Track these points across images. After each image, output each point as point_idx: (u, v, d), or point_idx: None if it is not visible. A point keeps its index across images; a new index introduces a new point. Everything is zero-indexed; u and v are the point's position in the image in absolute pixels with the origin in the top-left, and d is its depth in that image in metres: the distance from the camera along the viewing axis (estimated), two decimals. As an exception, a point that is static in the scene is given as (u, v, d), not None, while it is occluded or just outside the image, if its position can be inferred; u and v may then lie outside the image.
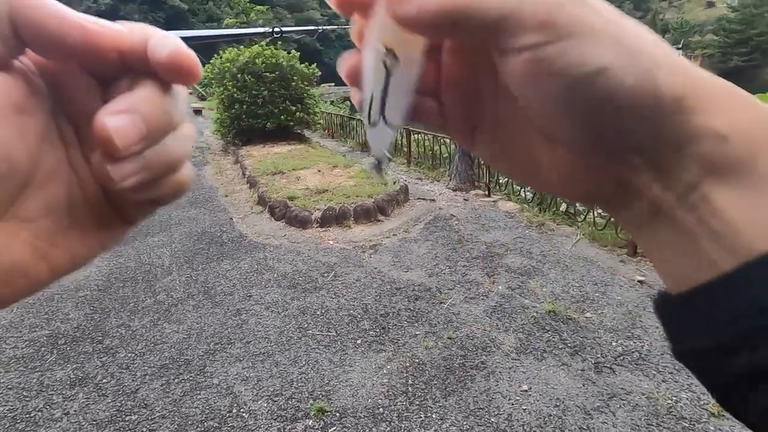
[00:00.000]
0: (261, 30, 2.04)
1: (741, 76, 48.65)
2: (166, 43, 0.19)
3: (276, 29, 2.13)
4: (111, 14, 49.21)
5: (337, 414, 2.13)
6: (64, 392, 2.35)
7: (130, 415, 2.17)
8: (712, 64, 56.71)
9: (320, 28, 3.22)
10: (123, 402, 2.26)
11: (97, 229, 0.22)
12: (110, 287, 3.51)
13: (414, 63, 0.21)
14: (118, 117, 0.18)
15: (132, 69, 0.19)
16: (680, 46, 62.39)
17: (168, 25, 51.84)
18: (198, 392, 2.31)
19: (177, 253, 4.13)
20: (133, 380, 2.42)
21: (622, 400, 2.16)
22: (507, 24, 0.17)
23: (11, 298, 0.19)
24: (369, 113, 0.21)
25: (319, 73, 9.54)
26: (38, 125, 0.19)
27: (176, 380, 2.40)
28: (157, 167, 0.20)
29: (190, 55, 0.19)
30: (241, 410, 2.18)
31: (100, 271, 3.79)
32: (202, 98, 23.11)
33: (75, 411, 2.22)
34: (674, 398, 2.16)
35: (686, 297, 0.18)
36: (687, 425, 2.00)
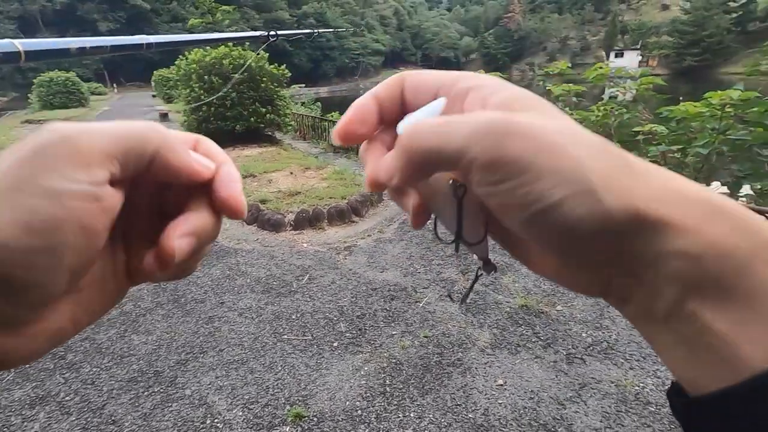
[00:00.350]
0: (256, 34, 1.98)
1: (694, 75, 51.32)
2: (228, 185, 0.24)
3: (271, 33, 2.08)
4: (68, 13, 47.05)
5: (315, 419, 2.10)
6: (23, 412, 2.22)
7: (97, 432, 2.08)
8: (668, 64, 59.54)
9: (315, 31, 3.16)
10: (89, 419, 2.16)
11: (114, 291, 0.25)
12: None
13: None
14: (183, 239, 0.22)
15: (196, 189, 0.24)
16: (639, 47, 65.18)
17: (130, 25, 50.06)
18: (169, 404, 2.23)
19: (144, 261, 3.98)
20: (99, 396, 2.31)
21: (593, 388, 2.24)
22: (460, 162, 0.19)
23: (40, 356, 0.22)
24: (457, 240, 0.25)
25: (289, 74, 9.42)
26: (116, 214, 0.22)
27: (146, 393, 2.31)
28: (191, 264, 0.26)
29: (241, 201, 0.24)
30: (216, 420, 2.12)
31: (60, 282, 3.61)
32: (169, 101, 22.42)
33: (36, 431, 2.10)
34: (641, 385, 2.25)
35: (697, 402, 0.18)
36: (653, 410, 2.09)
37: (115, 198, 0.21)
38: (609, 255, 0.19)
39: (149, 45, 1.17)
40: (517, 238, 0.24)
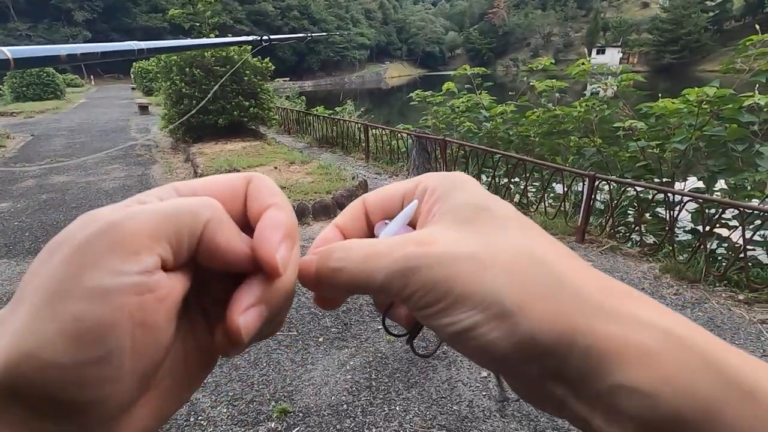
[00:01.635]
0: (249, 38, 1.95)
1: (673, 73, 52.50)
2: (264, 239, 0.20)
3: (264, 37, 2.04)
4: (41, 2, 45.33)
5: (301, 414, 2.10)
6: None
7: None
8: (648, 61, 60.78)
9: (308, 35, 3.12)
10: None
11: (199, 368, 0.22)
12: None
13: None
14: (248, 315, 0.19)
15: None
16: (620, 44, 66.28)
17: (107, 16, 48.57)
18: (152, 403, 2.20)
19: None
20: (78, 395, 2.27)
21: (574, 379, 2.29)
22: (388, 293, 0.20)
23: None
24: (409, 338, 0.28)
25: (273, 67, 9.28)
26: (179, 300, 0.19)
27: (127, 392, 2.28)
28: (265, 334, 0.22)
29: (275, 260, 0.20)
30: (200, 418, 2.10)
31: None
32: (149, 93, 21.89)
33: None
34: None
35: None
36: (632, 399, 2.15)
37: (172, 283, 0.18)
38: (544, 376, 0.18)
39: (140, 51, 1.15)
40: None
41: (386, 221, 0.25)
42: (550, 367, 0.18)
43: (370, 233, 0.26)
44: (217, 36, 8.51)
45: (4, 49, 0.72)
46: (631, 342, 0.16)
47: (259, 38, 2.05)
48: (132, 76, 27.24)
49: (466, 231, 0.20)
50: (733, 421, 0.14)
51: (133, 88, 27.26)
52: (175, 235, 0.18)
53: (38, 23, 46.74)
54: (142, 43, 1.17)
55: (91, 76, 43.15)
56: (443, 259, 0.19)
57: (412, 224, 0.24)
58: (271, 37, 2.10)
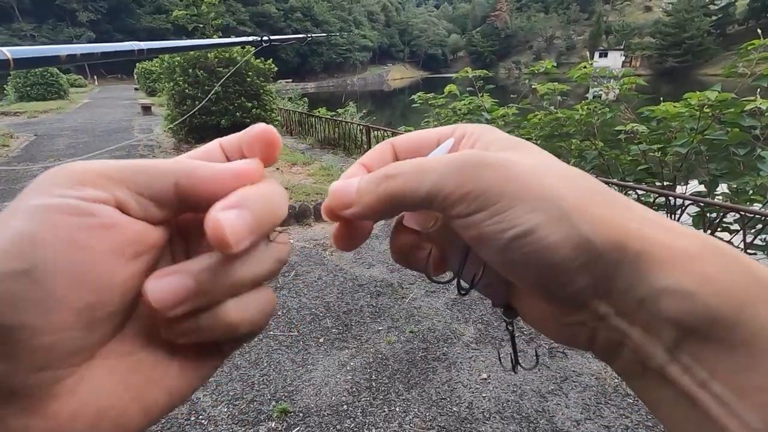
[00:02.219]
0: (248, 39, 1.96)
1: (675, 76, 52.41)
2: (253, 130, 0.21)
3: (265, 38, 2.05)
4: (46, 2, 45.55)
5: (301, 414, 2.11)
6: None
7: None
8: (651, 64, 60.69)
9: (309, 36, 3.13)
10: (69, 417, 2.12)
11: (197, 360, 0.20)
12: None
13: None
14: (228, 212, 0.18)
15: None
16: (622, 47, 66.23)
17: (111, 16, 48.78)
18: (153, 401, 2.21)
19: (126, 257, 3.91)
20: (80, 393, 2.27)
21: (574, 382, 2.29)
22: (436, 199, 0.19)
23: None
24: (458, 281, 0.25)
25: (276, 69, 9.31)
26: (149, 260, 0.19)
27: (128, 390, 2.29)
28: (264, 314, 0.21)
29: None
30: (200, 417, 2.11)
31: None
32: (152, 93, 21.96)
33: None
34: (620, 377, 2.31)
35: None
36: (632, 401, 2.15)
37: (139, 227, 0.18)
38: (592, 288, 0.18)
39: (141, 51, 1.15)
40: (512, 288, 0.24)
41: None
42: (600, 277, 0.17)
43: None
44: (220, 38, 8.55)
45: (4, 49, 0.72)
46: (677, 246, 0.17)
47: (260, 39, 2.06)
48: (135, 77, 27.34)
49: (516, 153, 0.21)
50: (766, 318, 0.15)
51: (136, 89, 27.33)
52: (135, 181, 0.18)
53: (42, 24, 46.98)
54: (142, 43, 1.17)
55: (95, 77, 43.32)
56: (505, 162, 0.19)
57: None
58: (272, 37, 2.11)
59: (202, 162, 0.20)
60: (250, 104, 8.47)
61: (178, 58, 8.44)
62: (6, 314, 0.14)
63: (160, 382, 0.19)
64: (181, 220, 0.21)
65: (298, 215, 4.56)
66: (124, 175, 0.18)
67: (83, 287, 0.16)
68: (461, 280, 0.25)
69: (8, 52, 0.73)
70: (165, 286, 0.18)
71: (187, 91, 8.10)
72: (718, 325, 0.15)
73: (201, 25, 8.82)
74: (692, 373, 0.16)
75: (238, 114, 8.36)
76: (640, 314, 0.17)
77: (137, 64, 25.29)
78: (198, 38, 8.86)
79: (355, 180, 0.22)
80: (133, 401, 0.18)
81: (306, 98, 14.90)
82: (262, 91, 8.85)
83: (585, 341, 0.20)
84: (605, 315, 0.18)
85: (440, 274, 0.25)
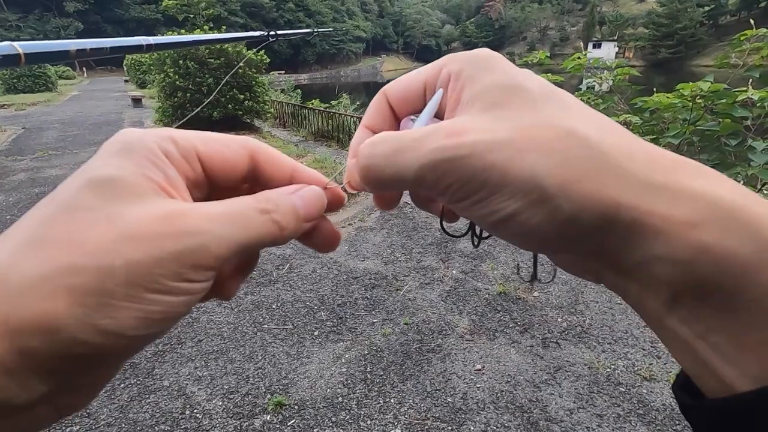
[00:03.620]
0: (256, 34, 1.95)
1: (668, 67, 52.57)
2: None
3: (271, 33, 2.04)
4: (30, -8, 44.48)
5: (296, 407, 2.11)
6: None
7: (71, 426, 2.03)
8: (644, 55, 60.80)
9: (315, 30, 3.10)
10: (62, 413, 2.11)
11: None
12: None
13: None
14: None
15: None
16: (616, 38, 66.23)
17: (99, 7, 47.80)
18: (147, 396, 2.20)
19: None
20: (73, 389, 2.26)
21: (567, 371, 2.31)
22: (423, 185, 0.20)
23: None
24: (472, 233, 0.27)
25: (268, 60, 9.20)
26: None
27: (122, 385, 2.27)
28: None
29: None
30: (195, 411, 2.10)
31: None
32: (142, 85, 21.65)
33: (7, 427, 2.05)
34: (612, 366, 2.34)
35: (703, 408, 0.17)
36: (624, 390, 2.18)
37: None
38: (587, 254, 0.19)
39: (149, 46, 1.14)
40: None
41: (412, 117, 0.24)
42: (592, 245, 0.18)
43: (398, 126, 0.25)
44: (211, 28, 8.43)
45: (15, 44, 0.73)
46: (674, 216, 0.16)
47: (267, 33, 2.04)
48: (125, 69, 26.93)
49: (499, 116, 0.19)
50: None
51: (126, 81, 26.95)
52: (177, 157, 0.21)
53: (29, 14, 45.98)
54: (150, 38, 1.16)
55: (84, 69, 42.61)
56: (477, 149, 0.18)
57: (440, 114, 0.23)
58: (279, 32, 2.09)
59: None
60: (242, 96, 8.39)
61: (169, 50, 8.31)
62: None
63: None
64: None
65: (292, 208, 4.54)
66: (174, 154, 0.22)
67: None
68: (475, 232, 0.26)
69: (19, 46, 0.74)
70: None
71: (177, 83, 8.00)
72: (716, 292, 0.16)
73: (192, 16, 8.68)
74: (690, 325, 0.17)
75: (230, 106, 8.28)
76: (636, 275, 0.18)
77: (126, 55, 24.82)
78: (189, 29, 8.73)
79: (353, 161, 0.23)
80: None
81: (299, 90, 14.75)
82: (254, 82, 8.76)
83: (593, 280, 0.21)
84: (601, 270, 0.19)
85: (454, 221, 0.26)
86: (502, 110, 0.19)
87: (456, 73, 0.22)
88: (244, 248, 0.20)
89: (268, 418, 2.05)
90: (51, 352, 0.16)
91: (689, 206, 0.16)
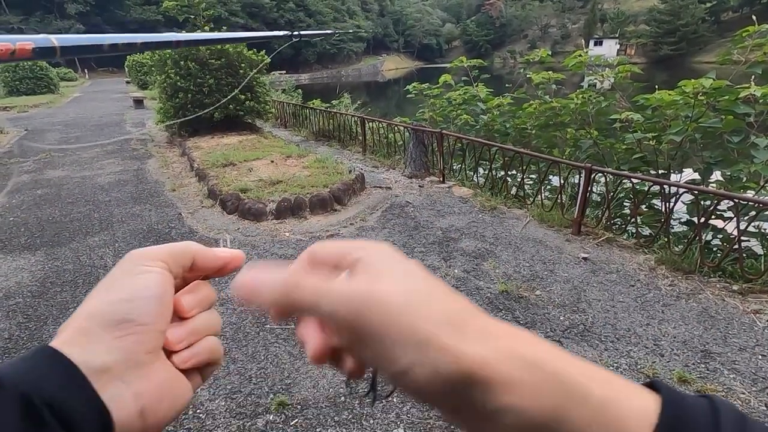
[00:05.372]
0: (279, 34, 1.98)
1: (670, 64, 52.31)
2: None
3: (294, 33, 2.08)
4: (32, -6, 44.55)
5: (299, 406, 2.12)
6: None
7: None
8: (645, 52, 60.51)
9: (336, 31, 3.14)
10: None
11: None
12: (46, 293, 3.26)
13: None
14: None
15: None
16: (617, 35, 65.94)
17: (100, 8, 47.88)
18: (150, 396, 2.21)
19: (120, 252, 3.89)
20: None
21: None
22: (332, 322, 0.24)
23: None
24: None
25: (269, 60, 9.20)
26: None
27: (126, 386, 2.28)
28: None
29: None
30: (198, 411, 2.11)
31: (33, 276, 3.50)
32: (143, 86, 21.69)
33: (11, 427, 2.06)
34: (615, 365, 2.34)
35: None
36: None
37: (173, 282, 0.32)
38: (458, 407, 0.22)
39: (178, 42, 1.18)
40: None
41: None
42: (459, 399, 0.22)
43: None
44: (212, 29, 8.43)
45: (52, 37, 0.75)
46: (514, 376, 0.21)
47: (290, 33, 2.08)
48: (126, 70, 26.99)
49: (384, 277, 0.25)
50: (578, 420, 0.20)
51: (127, 82, 27.01)
52: (173, 257, 0.31)
53: (30, 16, 46.09)
54: (180, 35, 1.19)
55: (85, 70, 42.70)
56: (388, 302, 0.23)
57: None
58: (301, 32, 2.14)
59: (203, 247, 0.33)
60: (243, 96, 8.38)
61: (169, 50, 8.32)
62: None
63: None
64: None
65: (294, 208, 4.55)
66: (173, 254, 0.31)
67: (161, 318, 0.29)
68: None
69: (56, 39, 0.76)
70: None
71: (179, 83, 8.00)
72: (545, 428, 0.21)
73: (192, 16, 8.67)
74: None
75: (231, 107, 8.27)
76: (489, 419, 0.22)
77: (128, 56, 24.90)
78: (189, 30, 8.73)
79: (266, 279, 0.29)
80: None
81: (300, 90, 14.77)
82: (255, 83, 8.75)
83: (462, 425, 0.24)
84: (467, 419, 0.23)
85: (359, 378, 0.28)
86: (384, 278, 0.25)
87: (354, 260, 0.27)
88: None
89: (271, 417, 2.06)
90: None
91: (518, 364, 0.21)
